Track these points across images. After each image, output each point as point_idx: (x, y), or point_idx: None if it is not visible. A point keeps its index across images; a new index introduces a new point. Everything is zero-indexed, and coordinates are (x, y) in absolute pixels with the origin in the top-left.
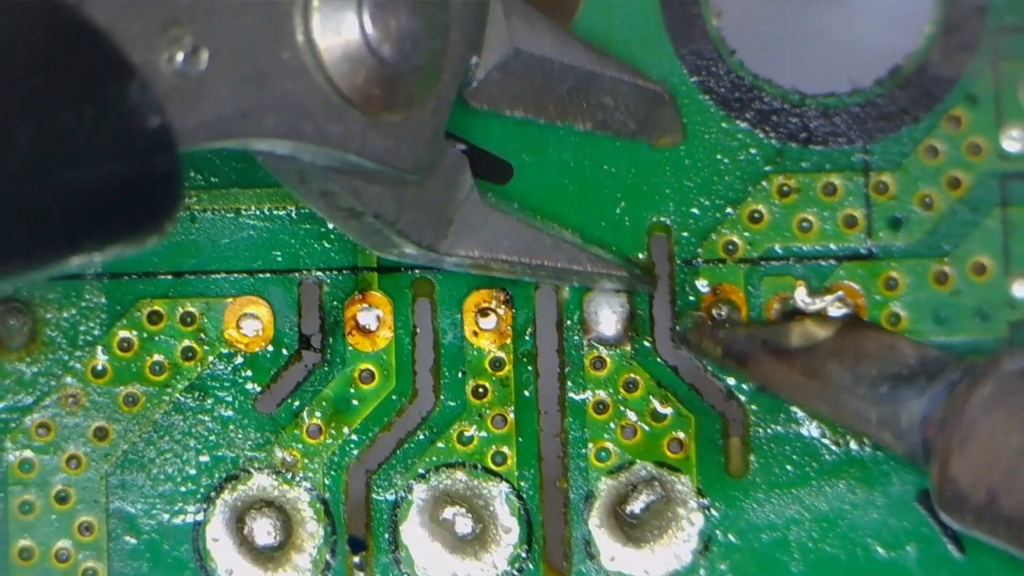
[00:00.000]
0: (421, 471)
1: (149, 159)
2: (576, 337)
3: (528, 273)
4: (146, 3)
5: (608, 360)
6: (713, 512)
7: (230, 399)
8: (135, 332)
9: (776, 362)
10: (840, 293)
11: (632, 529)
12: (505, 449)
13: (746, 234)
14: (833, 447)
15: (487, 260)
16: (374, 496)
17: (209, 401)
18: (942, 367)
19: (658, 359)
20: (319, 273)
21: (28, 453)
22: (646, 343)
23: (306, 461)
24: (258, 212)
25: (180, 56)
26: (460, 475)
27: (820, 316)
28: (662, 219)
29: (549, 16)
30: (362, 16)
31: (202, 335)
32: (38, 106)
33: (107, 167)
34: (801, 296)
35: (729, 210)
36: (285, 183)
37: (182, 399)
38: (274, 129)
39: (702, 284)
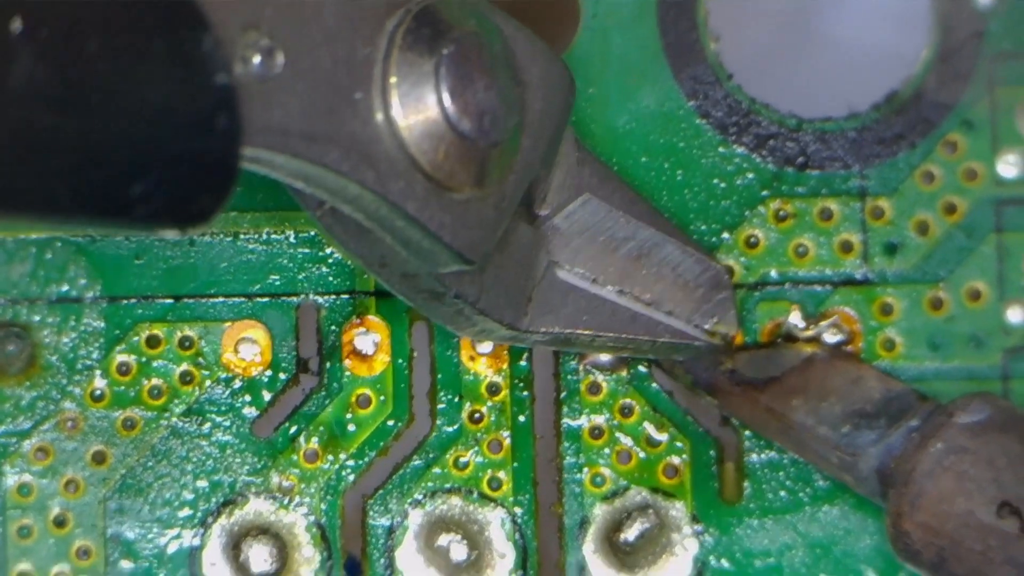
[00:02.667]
0: (417, 496)
1: (218, 147)
2: (572, 362)
3: (609, 345)
4: (229, 1)
5: (604, 385)
6: (707, 538)
7: (228, 423)
8: (133, 356)
9: (741, 395)
10: (834, 318)
11: (626, 555)
12: (501, 474)
13: (742, 259)
14: (827, 473)
15: (567, 335)
16: (370, 521)
17: (207, 425)
18: (904, 408)
19: (654, 384)
20: (317, 297)
21: (26, 477)
22: (642, 368)
23: (303, 486)
24: (256, 236)
25: (257, 59)
26: (456, 500)
27: (787, 344)
28: None
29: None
30: (440, 92)
31: (200, 359)
32: (139, 70)
33: (178, 142)
34: (795, 321)
35: (726, 235)
36: (366, 267)
37: (180, 423)
38: (337, 163)
39: None
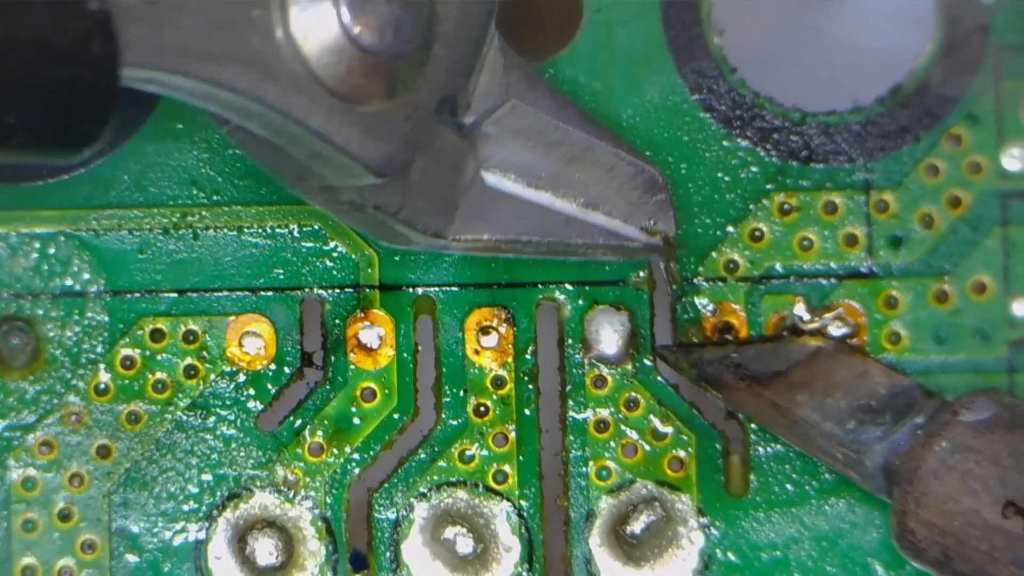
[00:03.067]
0: (423, 490)
1: (94, 72)
2: (577, 356)
3: (541, 251)
4: None
5: (609, 379)
6: (713, 531)
7: (232, 417)
8: (138, 350)
9: (747, 390)
10: (840, 311)
11: (632, 548)
12: (506, 468)
13: (747, 252)
14: None
15: (496, 242)
16: (375, 515)
17: (211, 419)
18: (910, 404)
19: (659, 378)
20: (321, 291)
21: (31, 471)
22: (647, 362)
23: (308, 479)
24: (260, 230)
25: None
26: (461, 494)
27: (795, 336)
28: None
29: (536, 71)
30: (339, 6)
31: (204, 353)
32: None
33: (53, 70)
34: (800, 313)
35: (730, 228)
36: (284, 182)
37: (184, 417)
38: (235, 81)
39: (703, 303)
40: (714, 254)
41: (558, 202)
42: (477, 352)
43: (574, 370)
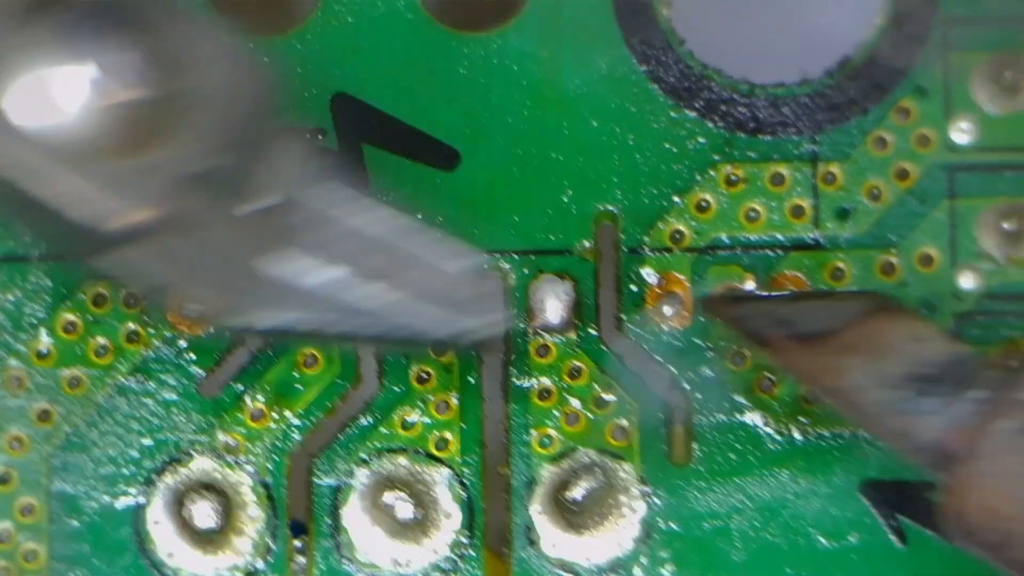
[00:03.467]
0: (364, 456)
1: None
2: (521, 324)
3: (331, 339)
4: None
5: (553, 347)
6: (655, 500)
7: (173, 382)
8: (79, 315)
9: (795, 350)
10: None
11: (574, 516)
12: (448, 435)
13: (693, 223)
14: (776, 436)
15: (285, 328)
16: (316, 480)
17: (152, 384)
18: (972, 374)
19: (603, 347)
20: None
21: None
22: (591, 331)
23: (248, 445)
24: None
25: None
26: (402, 460)
27: (844, 295)
28: (609, 207)
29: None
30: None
31: (146, 318)
32: None
33: None
34: (749, 288)
35: (676, 199)
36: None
37: (125, 382)
38: None
39: (648, 273)
40: (660, 224)
41: (364, 288)
42: None
43: (518, 339)
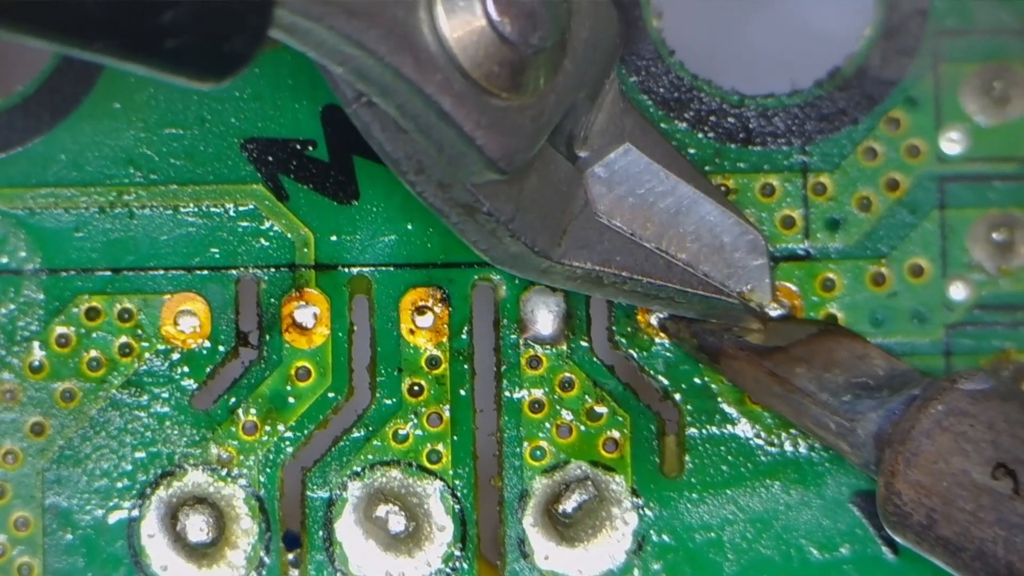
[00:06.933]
0: (356, 469)
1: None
2: (513, 336)
3: (639, 291)
4: None
5: (544, 359)
6: (647, 512)
7: (167, 395)
8: (72, 328)
9: (745, 359)
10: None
11: (566, 528)
12: (440, 447)
13: None
14: (768, 448)
15: (599, 273)
16: (309, 493)
17: (145, 397)
18: (907, 381)
19: (594, 358)
20: (256, 270)
21: None
22: (583, 342)
23: (242, 458)
24: (196, 209)
25: None
26: (395, 473)
27: (795, 319)
28: None
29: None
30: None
31: (139, 331)
32: None
33: None
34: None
35: None
36: (401, 174)
37: (119, 395)
38: (375, 43)
39: None
40: None
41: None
42: (412, 332)
43: (509, 350)
